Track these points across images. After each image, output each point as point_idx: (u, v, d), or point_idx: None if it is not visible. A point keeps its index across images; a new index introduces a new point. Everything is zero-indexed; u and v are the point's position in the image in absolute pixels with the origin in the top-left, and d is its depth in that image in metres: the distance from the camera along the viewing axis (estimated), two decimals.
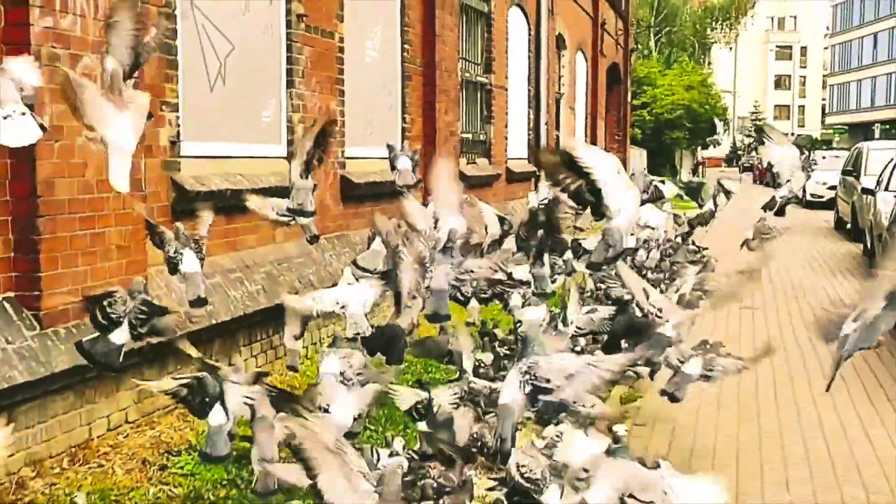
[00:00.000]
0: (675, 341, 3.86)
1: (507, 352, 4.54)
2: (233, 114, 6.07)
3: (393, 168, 4.58)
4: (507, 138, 12.63)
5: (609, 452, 2.81)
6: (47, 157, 4.16)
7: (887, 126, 49.73)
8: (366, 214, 8.16)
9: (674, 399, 4.06)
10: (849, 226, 16.21)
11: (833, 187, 19.23)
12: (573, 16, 17.83)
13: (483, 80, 11.85)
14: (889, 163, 12.55)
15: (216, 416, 3.08)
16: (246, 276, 5.77)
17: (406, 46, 8.86)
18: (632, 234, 4.73)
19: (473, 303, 3.93)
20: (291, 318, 3.53)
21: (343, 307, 3.49)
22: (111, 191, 4.05)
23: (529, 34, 14.04)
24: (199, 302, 3.55)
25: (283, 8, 6.52)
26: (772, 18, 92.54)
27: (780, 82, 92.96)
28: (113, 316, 3.05)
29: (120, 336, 3.08)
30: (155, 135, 5.02)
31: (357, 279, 3.62)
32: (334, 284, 3.89)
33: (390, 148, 4.84)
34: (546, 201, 4.57)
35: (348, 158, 7.57)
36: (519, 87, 13.60)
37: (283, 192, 3.72)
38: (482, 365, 4.15)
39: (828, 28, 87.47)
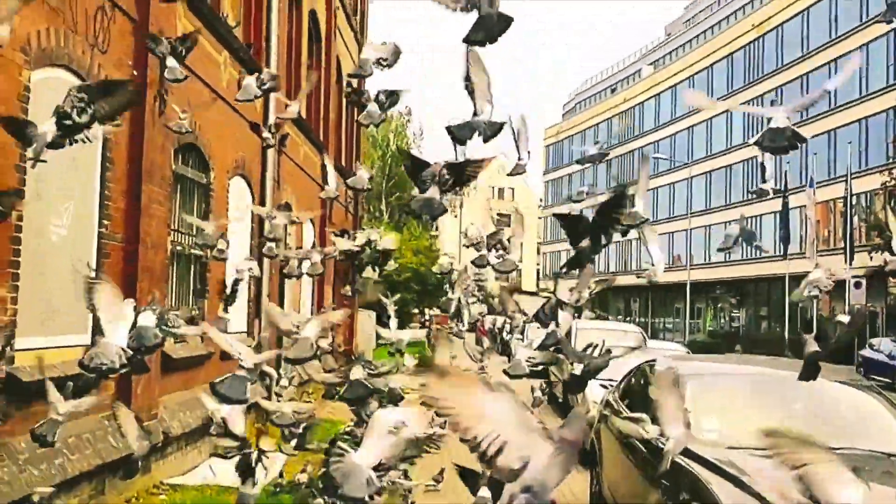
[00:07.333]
0: None
1: None
2: None
3: (163, 67, 5.65)
4: None
5: None
6: None
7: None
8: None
9: None
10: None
11: None
12: (301, 184, 17.80)
13: (199, 252, 11.17)
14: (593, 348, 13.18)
15: None
16: None
17: (105, 222, 8.07)
18: None
19: None
20: None
21: None
22: None
23: (253, 204, 13.67)
24: None
25: None
26: (492, 188, 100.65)
27: None
28: None
29: None
30: None
31: None
32: None
33: (154, 40, 5.73)
34: None
35: (20, 351, 6.53)
36: (240, 258, 13.02)
37: None
38: None
39: (541, 200, 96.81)
